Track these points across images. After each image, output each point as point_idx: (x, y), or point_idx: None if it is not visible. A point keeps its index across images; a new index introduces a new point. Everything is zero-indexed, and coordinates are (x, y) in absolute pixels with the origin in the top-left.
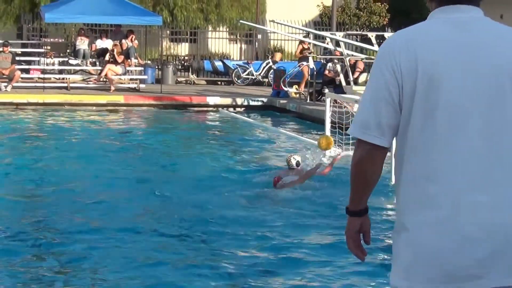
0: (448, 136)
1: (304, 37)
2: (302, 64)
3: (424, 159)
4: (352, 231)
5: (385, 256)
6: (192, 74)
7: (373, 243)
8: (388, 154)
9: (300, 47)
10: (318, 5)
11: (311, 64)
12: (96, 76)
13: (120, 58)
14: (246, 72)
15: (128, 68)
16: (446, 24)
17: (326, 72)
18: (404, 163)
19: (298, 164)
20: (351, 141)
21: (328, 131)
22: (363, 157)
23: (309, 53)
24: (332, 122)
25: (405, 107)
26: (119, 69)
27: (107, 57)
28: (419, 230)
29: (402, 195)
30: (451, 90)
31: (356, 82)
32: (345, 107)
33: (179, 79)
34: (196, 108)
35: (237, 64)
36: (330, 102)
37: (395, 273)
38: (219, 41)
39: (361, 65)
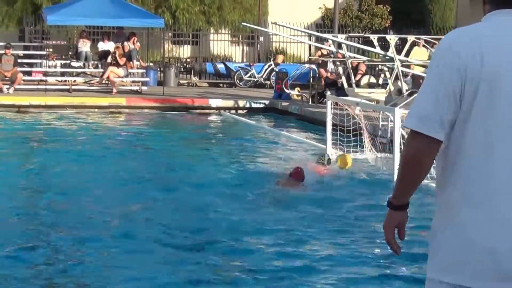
0: (509, 136)
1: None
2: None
3: (483, 158)
4: (393, 225)
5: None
6: (194, 76)
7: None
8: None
9: (319, 53)
10: (320, 7)
11: (331, 67)
12: (98, 78)
13: (122, 61)
14: (248, 74)
15: (130, 71)
16: (506, 26)
17: (328, 74)
18: (460, 159)
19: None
20: (352, 143)
21: (329, 134)
22: (420, 149)
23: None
24: (334, 125)
25: (466, 104)
26: (121, 71)
27: (109, 60)
28: (473, 227)
29: (455, 191)
30: None
31: (358, 84)
32: (346, 109)
33: (181, 82)
34: (198, 110)
35: (239, 66)
36: (331, 105)
37: (436, 268)
38: (221, 43)
39: (363, 67)
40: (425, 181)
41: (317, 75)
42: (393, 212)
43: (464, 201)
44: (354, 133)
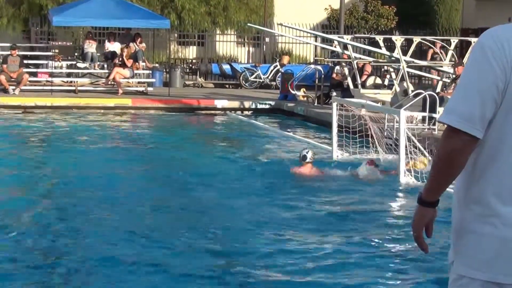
0: None
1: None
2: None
3: None
4: (423, 222)
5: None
6: (200, 77)
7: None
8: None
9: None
10: (326, 8)
11: (337, 68)
12: (104, 79)
13: (129, 62)
14: (254, 75)
15: (136, 71)
16: None
17: (334, 75)
18: (498, 156)
19: (304, 158)
20: (358, 144)
21: (335, 135)
22: (458, 148)
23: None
24: (339, 126)
25: (507, 102)
26: (127, 72)
27: (116, 60)
28: (507, 224)
29: (490, 185)
30: None
31: (363, 85)
32: (352, 110)
33: (187, 82)
34: (204, 111)
35: (244, 67)
36: (337, 107)
37: (467, 264)
38: (226, 44)
39: (368, 68)
40: None
41: (328, 74)
42: (424, 209)
43: (499, 197)
44: (360, 134)
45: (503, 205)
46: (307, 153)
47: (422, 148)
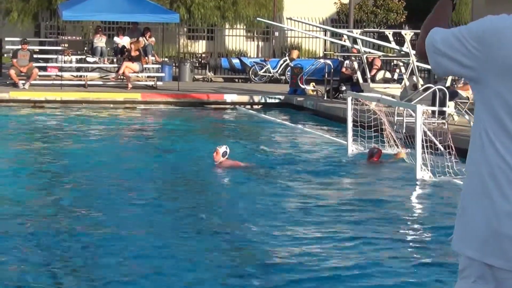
0: None
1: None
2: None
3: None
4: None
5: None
6: (209, 72)
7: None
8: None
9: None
10: (335, 2)
11: (346, 62)
12: (113, 73)
13: (135, 53)
14: (263, 70)
15: (145, 66)
16: None
17: (343, 69)
18: (495, 138)
19: (224, 154)
20: (373, 139)
21: (350, 130)
22: None
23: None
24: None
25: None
26: (136, 66)
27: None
28: (498, 207)
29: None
30: None
31: (373, 80)
32: (366, 105)
33: (196, 77)
34: (213, 106)
35: (254, 62)
36: (352, 101)
37: (460, 241)
38: (236, 39)
39: (378, 63)
40: (447, 178)
41: (338, 68)
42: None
43: (491, 177)
44: (374, 128)
45: (495, 187)
46: (226, 148)
47: (437, 142)
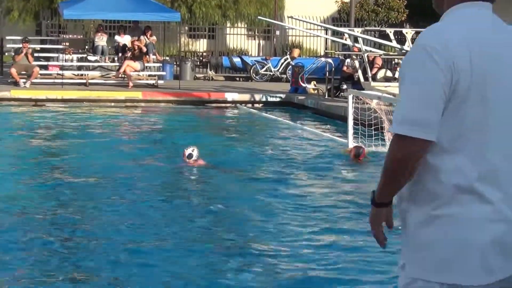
0: (503, 133)
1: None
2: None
3: (478, 154)
4: (380, 221)
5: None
6: (210, 70)
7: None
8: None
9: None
10: (336, 1)
11: (347, 61)
12: (114, 72)
13: (144, 49)
14: (264, 68)
15: (146, 64)
16: (483, 21)
17: (344, 68)
18: (451, 154)
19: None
20: (373, 137)
21: (350, 128)
22: (412, 154)
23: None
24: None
25: (457, 102)
26: (137, 65)
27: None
28: (465, 223)
29: (446, 183)
30: (507, 86)
31: (374, 78)
32: (367, 103)
33: (197, 75)
34: (214, 104)
35: (255, 60)
36: (353, 99)
37: (421, 267)
38: (237, 37)
39: (379, 61)
40: None
41: (339, 66)
42: (378, 209)
43: (456, 195)
44: (375, 127)
45: (457, 204)
46: (192, 151)
47: None
